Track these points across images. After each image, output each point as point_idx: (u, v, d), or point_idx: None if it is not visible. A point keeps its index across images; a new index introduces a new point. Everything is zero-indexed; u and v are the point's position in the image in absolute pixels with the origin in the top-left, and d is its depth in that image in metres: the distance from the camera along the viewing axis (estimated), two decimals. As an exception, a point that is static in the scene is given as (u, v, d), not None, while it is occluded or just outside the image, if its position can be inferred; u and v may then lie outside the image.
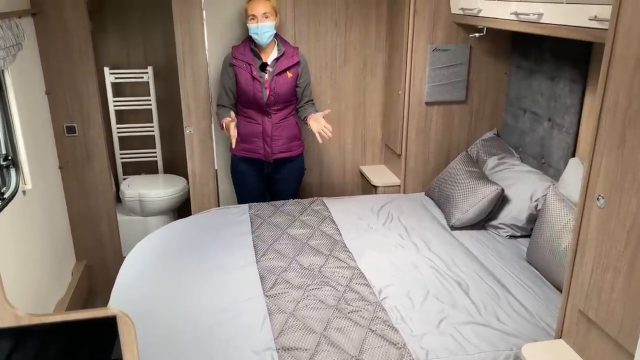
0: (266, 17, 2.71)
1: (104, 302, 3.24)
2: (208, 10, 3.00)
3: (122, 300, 2.14)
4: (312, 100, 3.00)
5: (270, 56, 2.83)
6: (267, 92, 2.79)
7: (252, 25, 2.73)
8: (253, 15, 2.71)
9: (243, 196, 3.09)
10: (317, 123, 2.70)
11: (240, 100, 2.87)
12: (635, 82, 1.32)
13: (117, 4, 3.91)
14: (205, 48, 3.06)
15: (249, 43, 2.82)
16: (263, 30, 2.72)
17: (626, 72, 1.35)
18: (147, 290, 2.19)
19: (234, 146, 2.71)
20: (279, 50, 2.84)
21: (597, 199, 1.49)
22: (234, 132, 2.64)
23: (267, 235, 2.60)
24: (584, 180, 1.55)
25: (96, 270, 3.34)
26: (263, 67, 2.79)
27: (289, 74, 2.83)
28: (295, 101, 2.95)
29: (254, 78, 2.77)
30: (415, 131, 3.13)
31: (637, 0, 1.30)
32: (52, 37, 2.86)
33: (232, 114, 2.72)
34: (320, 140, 2.69)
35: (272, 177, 3.06)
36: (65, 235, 3.15)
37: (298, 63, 2.87)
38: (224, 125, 2.76)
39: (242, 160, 2.98)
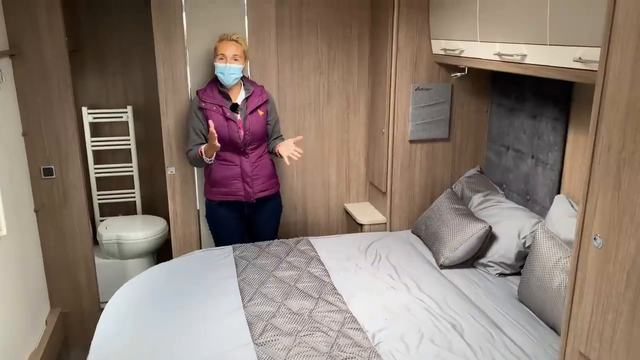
0: (235, 60, 2.72)
1: (80, 353, 3.08)
2: (191, 49, 3.00)
3: (102, 353, 2.02)
4: (281, 135, 3.00)
5: (239, 96, 2.83)
6: (242, 132, 2.77)
7: (219, 65, 2.72)
8: (222, 55, 2.71)
9: (223, 241, 3.01)
10: (286, 147, 2.73)
11: None
12: (629, 125, 1.33)
13: (96, 43, 3.88)
14: (188, 87, 3.03)
15: (216, 85, 2.81)
16: (230, 71, 2.72)
17: (618, 115, 1.36)
18: (128, 341, 2.08)
19: (216, 145, 2.61)
20: (246, 90, 2.84)
21: (594, 238, 1.48)
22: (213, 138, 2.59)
23: (253, 278, 2.53)
24: (579, 221, 1.55)
25: (72, 317, 3.18)
26: (234, 107, 2.78)
27: (260, 112, 2.84)
28: (266, 139, 2.94)
29: (227, 119, 2.75)
30: (400, 169, 3.14)
31: (625, 44, 1.32)
32: (30, 78, 2.80)
33: (210, 122, 2.66)
34: (288, 163, 2.70)
35: (252, 217, 3.00)
36: (40, 282, 3.01)
37: (267, 101, 2.88)
38: (203, 150, 2.70)
39: (220, 205, 2.92)
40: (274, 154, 2.89)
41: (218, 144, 2.61)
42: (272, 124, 2.93)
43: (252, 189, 2.85)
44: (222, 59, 2.71)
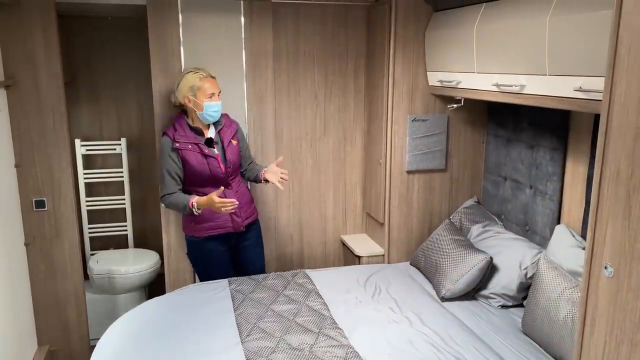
0: (219, 96, 2.70)
1: (69, 393, 2.97)
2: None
3: (95, 392, 1.93)
4: (254, 159, 2.99)
5: (209, 130, 2.76)
6: (223, 166, 2.72)
7: (213, 104, 2.65)
8: (213, 93, 2.66)
9: (212, 276, 2.89)
10: (273, 172, 2.72)
11: (193, 182, 2.72)
12: (637, 150, 1.32)
13: (90, 75, 3.88)
14: (185, 119, 3.02)
15: (185, 122, 2.72)
16: (221, 108, 2.71)
17: (626, 142, 1.36)
18: (122, 379, 2.00)
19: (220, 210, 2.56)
20: (217, 122, 2.78)
21: (605, 267, 1.46)
22: (226, 200, 2.54)
23: (251, 312, 2.46)
24: (588, 250, 1.52)
25: (60, 356, 3.06)
26: (209, 142, 2.71)
27: (234, 142, 2.81)
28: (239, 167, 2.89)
29: (205, 156, 2.68)
30: (397, 200, 3.12)
31: (630, 71, 1.33)
32: (24, 109, 2.77)
33: (221, 188, 2.62)
34: (282, 188, 2.69)
35: (238, 248, 2.93)
36: (27, 318, 2.90)
37: (237, 129, 2.86)
38: (194, 203, 2.61)
39: (207, 240, 2.80)
40: (257, 182, 2.85)
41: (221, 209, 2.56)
42: (243, 150, 2.88)
43: (240, 218, 2.80)
44: (211, 97, 2.66)
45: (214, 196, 2.54)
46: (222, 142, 2.75)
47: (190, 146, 2.67)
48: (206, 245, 2.82)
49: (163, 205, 2.78)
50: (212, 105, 2.66)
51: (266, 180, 2.77)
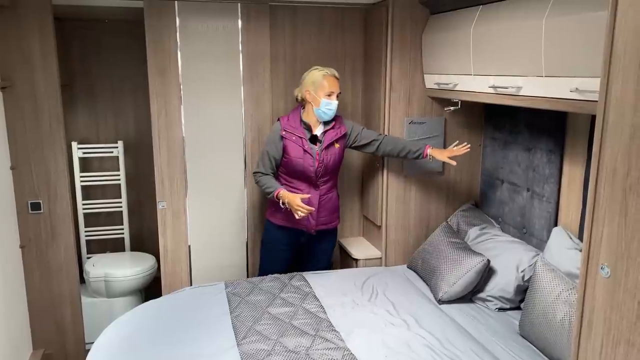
0: (337, 97, 2.76)
1: (63, 397, 2.94)
2: (185, 85, 2.99)
3: (89, 395, 1.91)
4: (381, 133, 2.98)
5: (318, 128, 2.81)
6: (317, 165, 2.76)
7: (330, 101, 2.72)
8: (332, 92, 2.73)
9: (269, 266, 2.96)
10: (448, 151, 2.80)
11: (287, 171, 2.81)
12: (633, 150, 1.32)
13: (87, 77, 3.88)
14: (182, 123, 3.01)
15: (299, 114, 2.81)
16: (336, 107, 2.75)
17: (622, 140, 1.35)
18: (117, 382, 1.98)
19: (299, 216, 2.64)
20: (327, 123, 2.81)
21: (602, 267, 1.46)
22: (305, 207, 2.61)
23: (247, 315, 2.45)
24: (585, 250, 1.52)
25: (55, 359, 3.04)
26: (313, 139, 2.77)
27: (337, 145, 2.83)
28: (337, 173, 2.91)
29: (305, 151, 2.74)
30: (394, 202, 3.11)
31: (626, 70, 1.34)
32: (21, 111, 2.76)
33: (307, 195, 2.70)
34: (454, 163, 2.78)
35: (312, 246, 2.98)
36: (22, 321, 2.88)
37: (345, 135, 2.85)
38: (279, 195, 2.68)
39: (279, 228, 2.88)
40: (416, 158, 2.88)
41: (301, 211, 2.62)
42: (366, 135, 2.88)
43: (315, 221, 2.82)
44: (330, 95, 2.73)
45: (298, 199, 2.62)
46: (324, 142, 2.78)
47: (294, 138, 2.75)
48: (276, 233, 2.91)
49: (253, 179, 2.88)
50: (329, 103, 2.73)
51: (418, 156, 2.85)
